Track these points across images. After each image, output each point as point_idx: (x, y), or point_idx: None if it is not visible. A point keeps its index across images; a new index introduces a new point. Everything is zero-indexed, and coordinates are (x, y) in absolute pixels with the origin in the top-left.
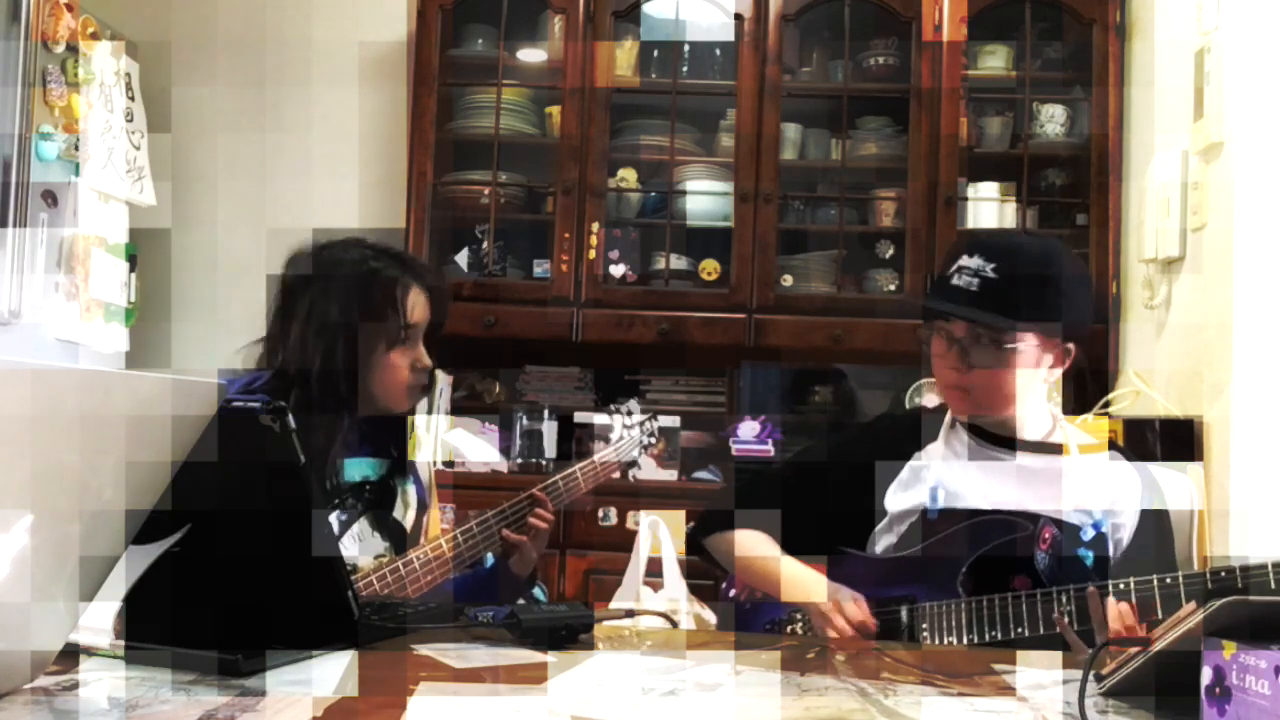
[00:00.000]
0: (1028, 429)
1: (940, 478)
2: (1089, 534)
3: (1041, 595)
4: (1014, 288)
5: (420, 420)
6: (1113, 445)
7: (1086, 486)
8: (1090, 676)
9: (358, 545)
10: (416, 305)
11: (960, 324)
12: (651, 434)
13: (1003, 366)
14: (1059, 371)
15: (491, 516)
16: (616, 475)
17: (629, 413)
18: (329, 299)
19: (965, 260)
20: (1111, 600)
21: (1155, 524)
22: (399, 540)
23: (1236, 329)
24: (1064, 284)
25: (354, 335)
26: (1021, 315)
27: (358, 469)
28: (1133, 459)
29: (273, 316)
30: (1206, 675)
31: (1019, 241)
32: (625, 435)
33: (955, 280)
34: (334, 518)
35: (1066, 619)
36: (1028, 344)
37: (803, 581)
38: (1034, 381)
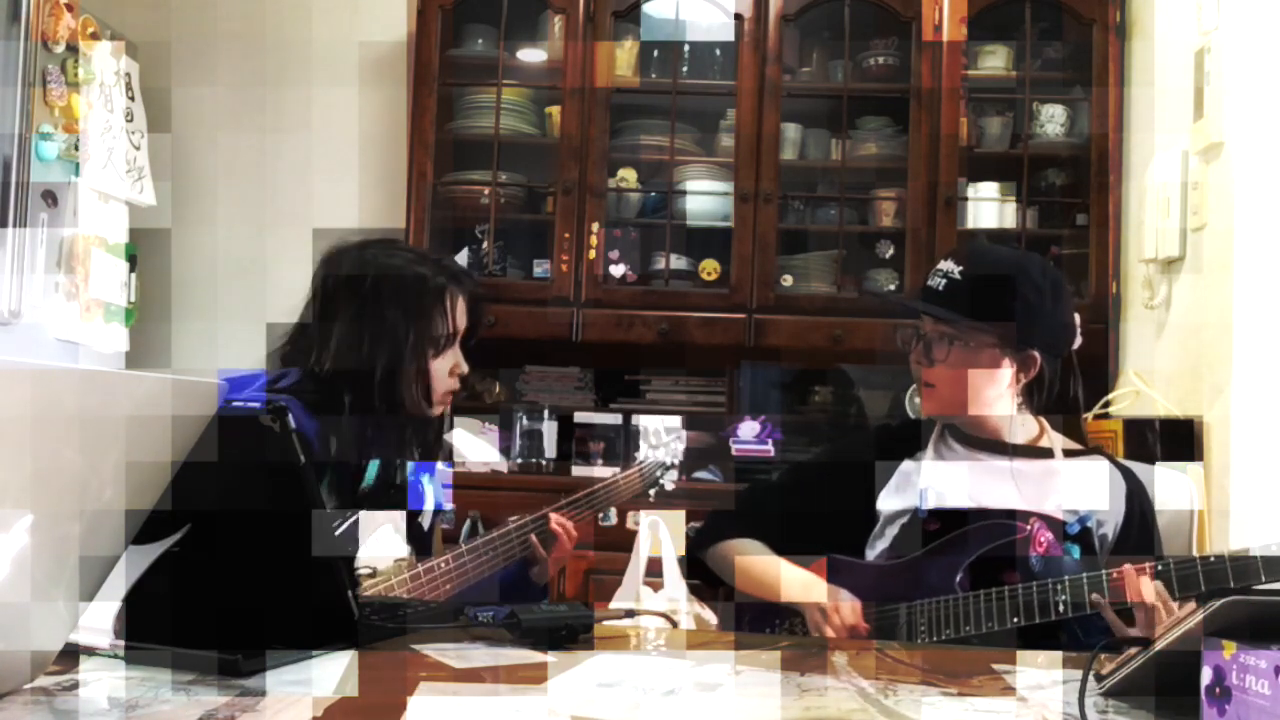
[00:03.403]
0: (1012, 434)
1: (929, 480)
2: (1075, 529)
3: (1038, 586)
4: (973, 289)
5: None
6: (1099, 451)
7: (1071, 487)
8: (1090, 676)
9: (380, 548)
10: (461, 312)
11: (927, 321)
12: (676, 456)
13: (959, 363)
14: (1026, 379)
15: (514, 529)
16: (638, 493)
17: (657, 433)
18: (378, 303)
19: (941, 264)
20: (1146, 578)
21: (1139, 525)
22: (419, 542)
23: (1236, 329)
24: (1025, 292)
25: (405, 340)
26: (975, 314)
27: (397, 470)
28: (1119, 464)
29: (309, 316)
30: (1206, 675)
31: (993, 250)
32: (650, 456)
33: (929, 282)
34: (366, 516)
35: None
36: (981, 343)
37: (802, 583)
38: (995, 384)
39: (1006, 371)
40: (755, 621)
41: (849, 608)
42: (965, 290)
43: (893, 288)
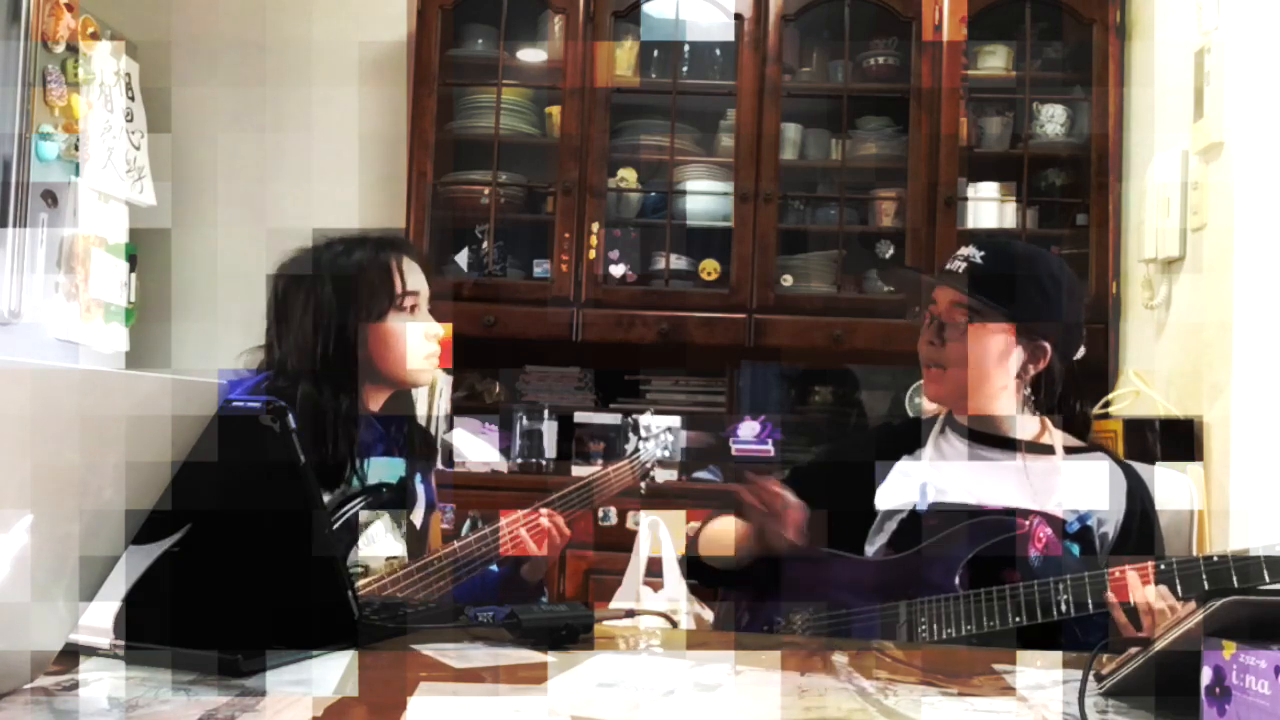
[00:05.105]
0: (1014, 430)
1: (928, 476)
2: (1074, 527)
3: (1039, 586)
4: (994, 273)
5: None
6: (1100, 448)
7: (1071, 485)
8: (1090, 676)
9: (373, 547)
10: (407, 274)
11: (943, 302)
12: (666, 447)
13: (973, 344)
14: (1034, 371)
15: (504, 525)
16: (631, 486)
17: (647, 428)
18: (315, 292)
19: (962, 250)
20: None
21: (1140, 523)
22: (413, 542)
23: (1236, 329)
24: (1043, 282)
25: (347, 316)
26: (994, 296)
27: (389, 469)
28: (1120, 461)
29: (269, 324)
30: (1206, 675)
31: (1014, 242)
32: (641, 448)
33: (948, 266)
34: (354, 517)
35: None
36: (997, 326)
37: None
38: (1005, 371)
39: (1016, 360)
40: (753, 621)
41: (765, 483)
42: (985, 273)
43: (892, 288)
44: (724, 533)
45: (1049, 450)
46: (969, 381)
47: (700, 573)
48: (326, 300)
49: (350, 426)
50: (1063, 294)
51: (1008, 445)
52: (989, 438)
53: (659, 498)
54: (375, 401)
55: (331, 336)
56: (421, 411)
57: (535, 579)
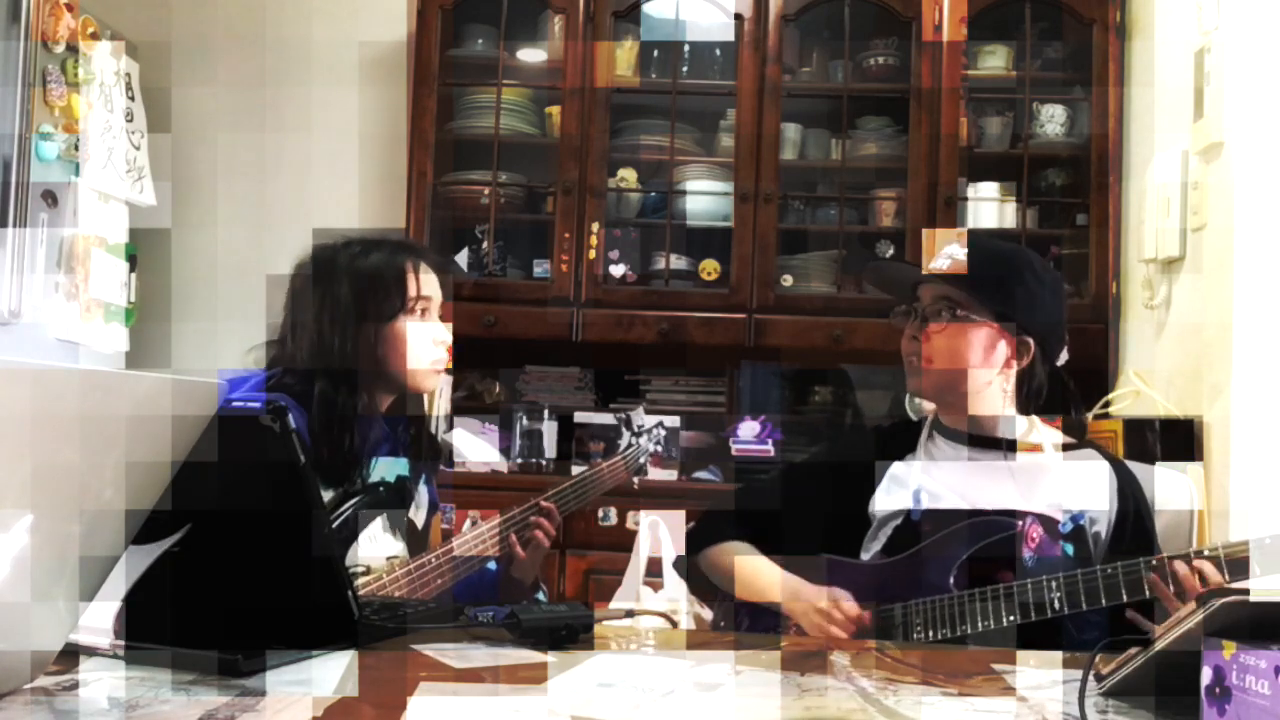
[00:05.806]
0: (1002, 429)
1: (921, 481)
2: (1068, 527)
3: (1033, 584)
4: (976, 270)
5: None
6: (1091, 445)
7: (1061, 484)
8: (1090, 676)
9: (373, 546)
10: (421, 278)
11: (926, 294)
12: (658, 441)
13: (956, 335)
14: (1019, 367)
15: (501, 522)
16: (624, 481)
17: (640, 425)
18: (331, 291)
19: (946, 248)
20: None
21: (1133, 522)
22: (413, 541)
23: (1236, 329)
24: (1027, 278)
25: (359, 317)
26: (977, 289)
27: (390, 468)
28: (1112, 459)
29: (282, 320)
30: (1206, 675)
31: (997, 241)
32: (634, 443)
33: (933, 265)
34: (354, 517)
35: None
36: (979, 319)
37: (792, 591)
38: (990, 365)
39: (1001, 354)
40: (753, 622)
41: (848, 605)
42: (969, 269)
43: (878, 288)
44: (755, 584)
45: (1038, 449)
46: (955, 369)
47: (695, 578)
48: (340, 299)
49: (358, 424)
50: (1045, 291)
51: (996, 445)
52: (977, 438)
53: (658, 497)
54: (382, 403)
55: (345, 335)
56: (422, 412)
57: (527, 579)
